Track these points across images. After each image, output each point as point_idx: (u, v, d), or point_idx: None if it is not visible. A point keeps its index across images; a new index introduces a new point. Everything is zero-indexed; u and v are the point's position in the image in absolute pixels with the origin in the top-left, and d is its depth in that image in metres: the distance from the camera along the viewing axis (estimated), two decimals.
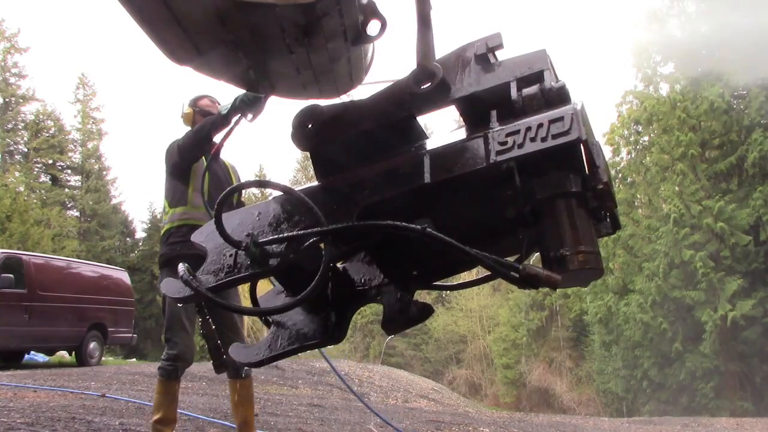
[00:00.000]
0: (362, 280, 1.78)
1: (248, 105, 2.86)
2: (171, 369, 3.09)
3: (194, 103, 3.44)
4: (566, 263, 1.34)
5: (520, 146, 1.35)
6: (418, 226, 1.39)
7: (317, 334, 1.69)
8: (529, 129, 1.35)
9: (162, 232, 3.33)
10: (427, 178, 1.47)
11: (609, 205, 1.45)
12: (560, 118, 1.32)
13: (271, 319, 1.81)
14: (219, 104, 3.47)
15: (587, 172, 1.37)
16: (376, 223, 1.47)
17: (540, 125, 1.34)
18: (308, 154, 1.74)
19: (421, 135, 1.70)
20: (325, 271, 1.46)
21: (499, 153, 1.37)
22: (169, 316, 3.11)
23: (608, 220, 1.57)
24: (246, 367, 3.30)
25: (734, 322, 16.68)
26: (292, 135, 1.69)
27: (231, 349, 1.85)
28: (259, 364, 1.75)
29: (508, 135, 1.38)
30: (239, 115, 2.88)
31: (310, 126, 1.67)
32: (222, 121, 3.00)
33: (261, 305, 1.84)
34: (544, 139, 1.32)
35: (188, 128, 3.43)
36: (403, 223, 1.42)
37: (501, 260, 1.39)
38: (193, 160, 3.21)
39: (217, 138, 3.14)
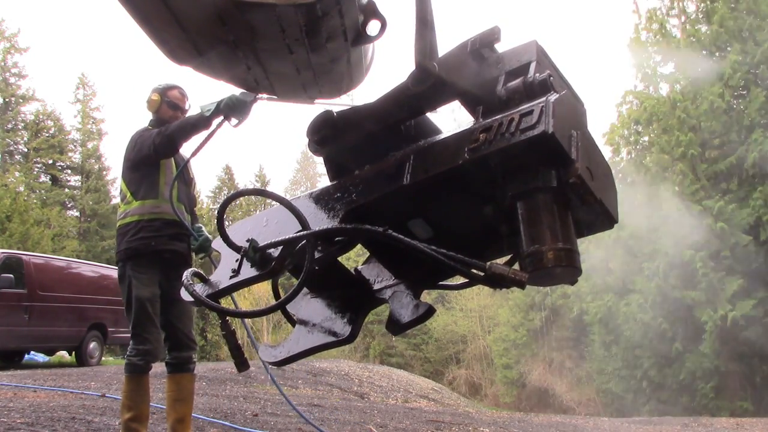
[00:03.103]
0: (375, 281, 1.81)
1: (233, 109, 2.72)
2: (142, 363, 3.02)
3: (164, 91, 3.32)
4: (538, 261, 1.31)
5: (491, 142, 1.32)
6: (380, 229, 1.39)
7: (334, 334, 1.73)
8: (501, 124, 1.32)
9: (124, 222, 3.16)
10: (406, 179, 1.46)
11: (588, 199, 1.40)
12: (530, 112, 1.29)
13: (295, 319, 1.87)
14: (188, 98, 3.41)
15: (560, 166, 1.32)
16: (342, 227, 1.51)
17: (511, 120, 1.31)
18: (312, 156, 1.77)
19: (428, 133, 1.69)
20: (308, 273, 1.49)
21: (470, 150, 1.35)
22: (138, 311, 3.03)
23: (604, 214, 1.54)
24: (191, 363, 3.25)
25: (734, 322, 16.66)
26: (308, 144, 1.72)
27: (260, 350, 1.89)
28: (281, 363, 1.80)
29: (482, 131, 1.36)
30: (222, 118, 2.76)
31: (323, 131, 1.69)
32: (204, 123, 2.89)
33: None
34: (512, 134, 1.29)
35: (150, 114, 3.35)
36: (366, 226, 1.42)
37: (465, 259, 1.36)
38: (168, 156, 3.13)
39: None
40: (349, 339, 1.70)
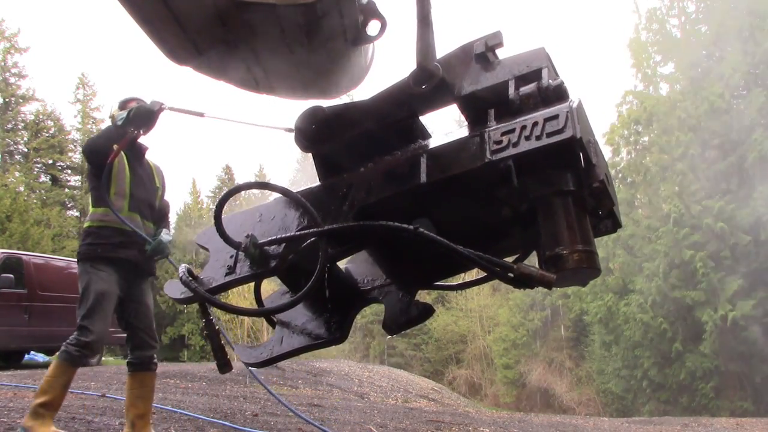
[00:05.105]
0: (365, 281, 1.79)
1: (139, 120, 3.03)
2: (78, 355, 3.03)
3: (123, 105, 3.47)
4: (562, 262, 1.33)
5: (515, 145, 1.34)
6: (410, 226, 1.38)
7: (320, 335, 1.70)
8: (524, 127, 1.34)
9: (83, 227, 3.38)
10: (423, 178, 1.46)
11: (606, 203, 1.44)
12: (555, 117, 1.31)
13: (275, 320, 1.82)
14: None
15: (583, 169, 1.36)
16: (368, 223, 1.47)
17: (535, 123, 1.33)
18: (311, 155, 1.74)
19: (424, 134, 1.69)
20: (322, 271, 1.47)
21: (494, 152, 1.37)
22: (92, 304, 3.08)
23: (608, 218, 1.57)
24: (152, 362, 3.35)
25: (734, 322, 16.67)
26: (295, 137, 1.69)
27: (237, 350, 1.86)
28: (262, 364, 1.77)
29: (503, 134, 1.37)
30: (132, 126, 3.05)
31: (313, 127, 1.66)
32: (116, 131, 3.14)
33: (266, 306, 1.85)
34: (538, 138, 1.31)
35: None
36: (395, 224, 1.41)
37: (495, 260, 1.38)
38: (97, 163, 3.22)
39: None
40: (339, 340, 1.68)
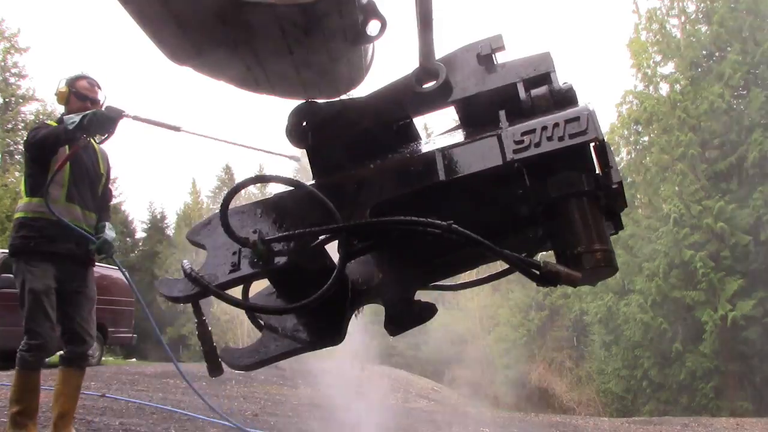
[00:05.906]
0: (362, 280, 1.75)
1: (97, 126, 2.78)
2: (33, 360, 3.01)
3: (71, 83, 3.26)
4: (582, 261, 1.35)
5: (537, 145, 1.36)
6: (443, 223, 1.37)
7: (315, 336, 1.66)
8: (545, 128, 1.36)
9: (14, 217, 3.17)
10: (441, 176, 1.45)
11: (621, 204, 1.48)
12: (576, 118, 1.34)
13: (262, 322, 1.75)
14: (99, 88, 3.33)
15: (601, 171, 1.40)
16: (398, 219, 1.42)
17: (556, 125, 1.35)
18: (305, 152, 1.72)
19: (417, 135, 1.69)
20: (342, 269, 1.44)
21: (516, 151, 1.38)
22: (31, 306, 3.02)
23: (612, 220, 1.58)
24: (83, 359, 3.21)
25: (734, 322, 16.67)
26: (287, 132, 1.67)
27: (223, 352, 1.78)
28: (253, 366, 1.70)
29: (524, 134, 1.38)
30: (86, 133, 2.82)
31: (306, 123, 1.65)
32: (66, 135, 2.90)
33: (257, 305, 1.81)
34: (561, 138, 1.33)
35: (62, 107, 3.32)
36: (428, 220, 1.38)
37: (523, 258, 1.39)
38: (40, 160, 3.08)
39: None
40: (335, 341, 1.62)
